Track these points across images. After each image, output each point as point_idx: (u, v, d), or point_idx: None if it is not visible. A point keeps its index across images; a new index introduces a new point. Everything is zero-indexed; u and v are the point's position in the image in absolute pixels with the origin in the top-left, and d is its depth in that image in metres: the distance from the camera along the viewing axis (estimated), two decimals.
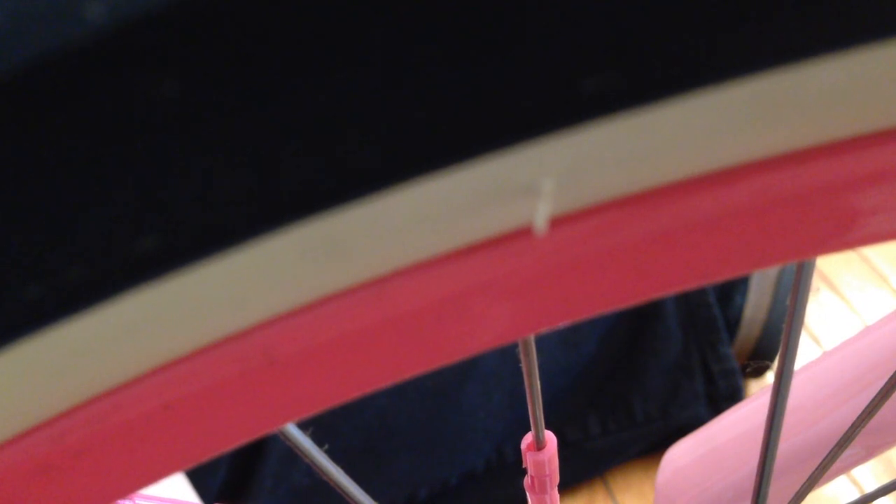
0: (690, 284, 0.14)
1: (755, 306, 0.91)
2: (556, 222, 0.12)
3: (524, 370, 0.18)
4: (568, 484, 0.81)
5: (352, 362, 0.13)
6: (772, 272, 0.89)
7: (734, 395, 0.87)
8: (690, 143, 0.12)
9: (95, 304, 0.11)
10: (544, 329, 0.14)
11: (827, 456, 0.24)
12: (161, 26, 0.09)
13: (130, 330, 0.12)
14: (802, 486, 0.27)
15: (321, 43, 0.09)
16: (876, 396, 0.22)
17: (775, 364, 0.96)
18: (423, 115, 0.10)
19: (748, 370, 0.93)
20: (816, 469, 0.26)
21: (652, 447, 0.85)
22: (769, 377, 0.97)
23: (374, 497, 0.20)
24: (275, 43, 0.09)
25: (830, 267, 1.08)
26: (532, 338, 0.18)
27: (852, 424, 0.23)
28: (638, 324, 0.85)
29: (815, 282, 1.06)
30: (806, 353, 0.98)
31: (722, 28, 0.10)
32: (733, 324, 0.91)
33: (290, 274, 0.12)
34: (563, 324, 0.14)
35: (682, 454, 0.43)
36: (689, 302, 0.87)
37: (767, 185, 0.13)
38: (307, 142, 0.10)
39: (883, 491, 0.28)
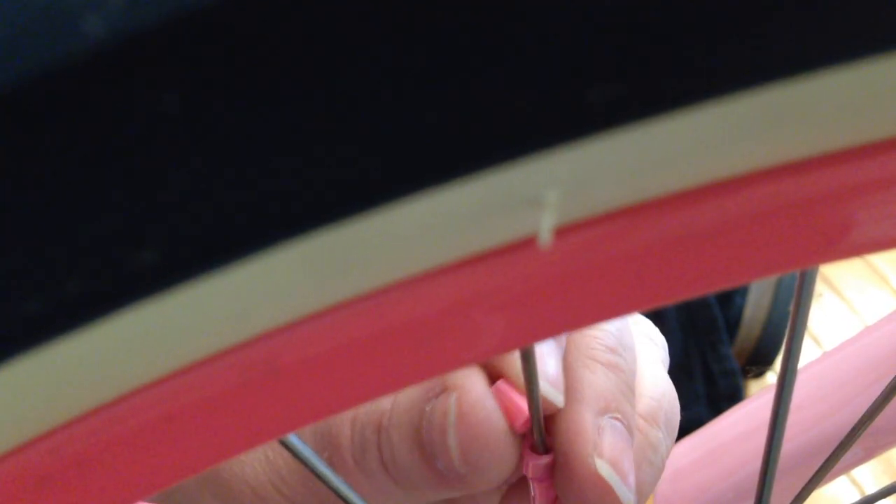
0: (694, 293, 0.14)
1: (755, 307, 0.91)
2: (560, 232, 0.12)
3: (524, 377, 0.18)
4: None
5: (355, 371, 0.13)
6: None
7: (734, 396, 0.87)
8: (694, 153, 0.12)
9: (96, 317, 0.11)
10: (547, 338, 0.14)
11: (828, 458, 0.24)
12: (159, 39, 0.09)
13: (132, 342, 0.12)
14: (804, 488, 0.27)
15: (322, 54, 0.09)
16: (877, 399, 0.22)
17: (775, 366, 0.96)
18: (427, 127, 0.10)
19: (748, 375, 0.93)
20: (818, 471, 0.26)
21: None
22: (769, 377, 0.97)
23: None
24: (275, 55, 0.09)
25: (831, 268, 1.08)
26: (533, 346, 0.18)
27: (853, 428, 0.23)
28: None
29: (818, 286, 1.06)
30: (806, 353, 0.98)
31: (726, 40, 0.10)
32: (733, 324, 0.91)
33: (292, 285, 0.12)
34: (565, 333, 0.14)
35: (682, 455, 0.43)
36: (689, 302, 0.87)
37: (770, 195, 0.13)
38: (309, 154, 0.10)
39: (884, 493, 0.28)
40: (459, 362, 0.13)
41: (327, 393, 0.13)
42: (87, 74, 0.09)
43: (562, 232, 0.12)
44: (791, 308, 0.17)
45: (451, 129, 0.10)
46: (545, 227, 0.11)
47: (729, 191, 0.12)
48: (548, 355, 0.23)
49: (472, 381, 0.22)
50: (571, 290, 0.13)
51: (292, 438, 0.16)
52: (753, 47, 0.10)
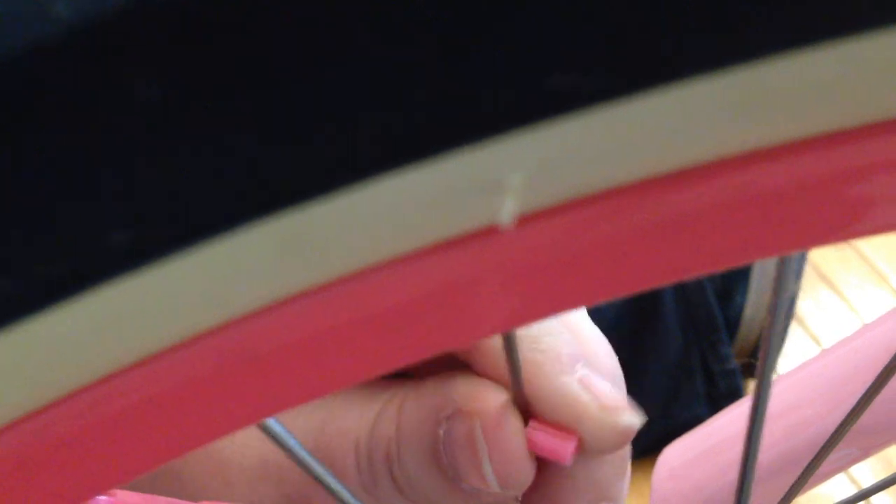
0: (677, 277, 0.14)
1: (755, 306, 0.91)
2: (535, 217, 0.12)
3: (508, 366, 0.18)
4: None
5: (332, 356, 0.13)
6: (772, 271, 0.88)
7: (734, 395, 0.87)
8: (670, 136, 0.12)
9: (71, 297, 0.11)
10: (527, 324, 0.14)
11: (813, 459, 0.24)
12: (131, 22, 0.09)
13: (110, 324, 0.12)
14: (791, 487, 0.27)
15: (291, 38, 0.09)
16: (861, 399, 0.22)
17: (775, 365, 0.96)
18: (394, 110, 0.10)
19: (745, 368, 0.93)
20: (803, 472, 0.26)
21: (652, 447, 0.85)
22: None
23: None
24: (246, 38, 0.09)
25: (829, 265, 1.08)
26: (515, 333, 0.18)
27: (837, 427, 0.23)
28: (638, 324, 0.85)
29: (811, 280, 1.06)
30: (805, 351, 0.98)
31: (701, 16, 0.10)
32: (733, 324, 0.91)
33: (268, 268, 0.12)
34: (546, 318, 0.14)
35: (677, 454, 0.43)
36: (689, 302, 0.87)
37: (750, 180, 0.13)
38: (281, 136, 0.10)
39: (878, 487, 0.29)
40: (438, 346, 0.14)
41: (306, 377, 0.13)
42: (58, 59, 0.09)
43: (536, 216, 0.12)
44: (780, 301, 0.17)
45: (417, 112, 0.10)
46: (507, 210, 0.11)
47: (708, 174, 0.12)
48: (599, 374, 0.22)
49: (488, 400, 0.22)
50: (550, 275, 0.13)
51: (272, 423, 0.16)
52: (733, 23, 0.10)
